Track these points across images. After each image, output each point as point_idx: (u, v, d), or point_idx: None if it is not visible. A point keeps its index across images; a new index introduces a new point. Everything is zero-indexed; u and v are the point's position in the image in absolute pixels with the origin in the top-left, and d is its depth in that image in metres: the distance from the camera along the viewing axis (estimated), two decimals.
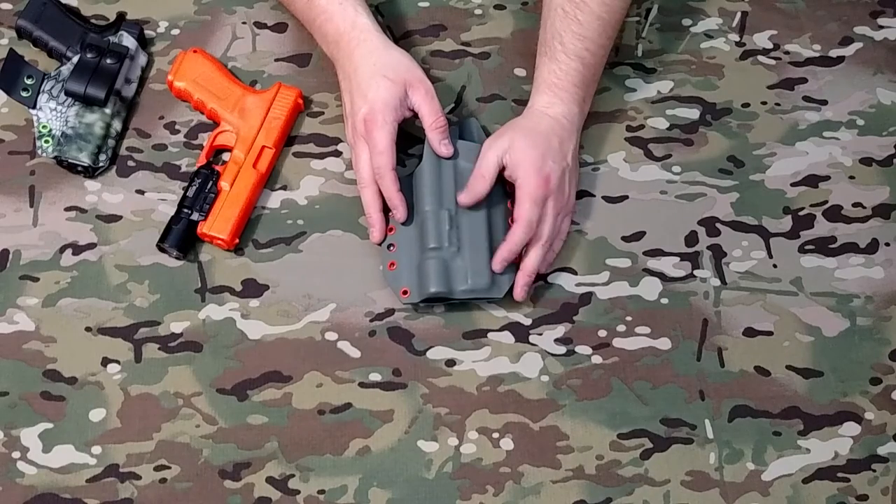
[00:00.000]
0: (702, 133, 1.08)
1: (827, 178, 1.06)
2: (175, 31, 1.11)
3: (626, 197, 1.04)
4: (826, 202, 1.05)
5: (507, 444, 0.93)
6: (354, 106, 0.98)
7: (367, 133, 0.96)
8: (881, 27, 1.15)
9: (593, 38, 1.01)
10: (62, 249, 0.99)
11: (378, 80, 0.96)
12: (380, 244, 0.99)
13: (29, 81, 1.02)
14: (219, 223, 0.98)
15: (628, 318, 0.98)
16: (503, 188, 0.99)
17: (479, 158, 0.97)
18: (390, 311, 0.98)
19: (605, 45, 1.02)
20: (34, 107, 1.02)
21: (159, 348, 0.95)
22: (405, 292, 0.96)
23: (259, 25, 1.12)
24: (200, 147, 1.05)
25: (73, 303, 0.97)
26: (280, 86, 1.05)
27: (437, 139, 0.98)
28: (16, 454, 0.91)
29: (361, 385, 0.95)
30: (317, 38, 1.04)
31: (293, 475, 0.91)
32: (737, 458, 0.93)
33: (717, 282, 1.00)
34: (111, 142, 1.04)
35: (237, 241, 0.99)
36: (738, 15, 1.15)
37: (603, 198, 1.04)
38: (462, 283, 0.95)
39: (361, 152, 0.98)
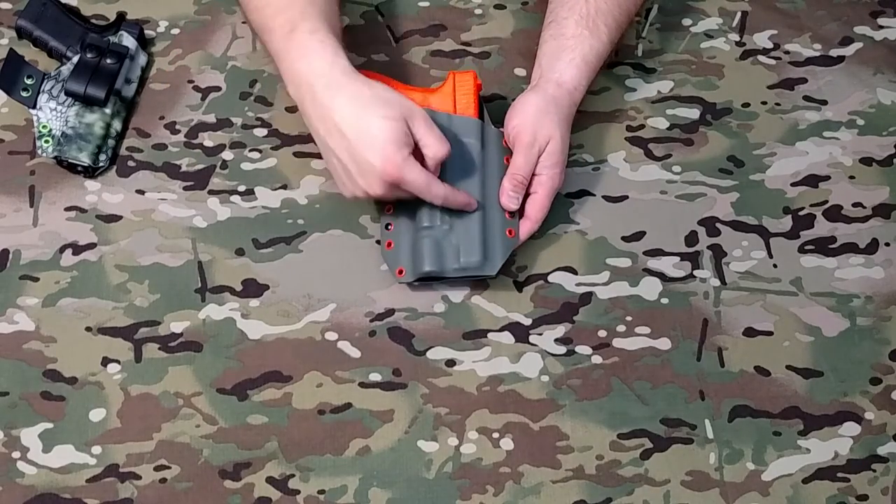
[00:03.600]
0: (702, 133, 1.08)
1: (827, 178, 1.06)
2: (175, 31, 1.11)
3: (626, 197, 1.04)
4: (826, 202, 1.05)
5: (507, 444, 0.93)
6: (361, 166, 0.90)
7: (396, 182, 0.90)
8: (881, 27, 1.15)
9: (621, 30, 1.03)
10: (62, 249, 0.99)
11: (379, 122, 0.89)
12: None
13: (29, 81, 1.02)
14: None
15: (628, 318, 0.98)
16: (500, 159, 0.99)
17: (518, 155, 0.97)
18: (390, 311, 0.98)
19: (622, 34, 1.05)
20: (34, 107, 1.02)
21: (159, 348, 0.95)
22: (401, 272, 0.97)
23: None
24: (200, 146, 1.05)
25: (73, 303, 0.97)
26: (454, 75, 1.01)
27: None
28: (16, 454, 0.91)
29: (361, 385, 0.95)
30: (285, 76, 0.94)
31: (293, 475, 0.91)
32: (737, 458, 0.93)
33: (717, 282, 1.00)
34: (111, 142, 1.04)
35: None
36: (738, 15, 1.15)
37: (603, 198, 1.04)
38: (454, 261, 0.96)
39: (383, 195, 0.92)
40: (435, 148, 0.92)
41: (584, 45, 1.00)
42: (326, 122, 0.91)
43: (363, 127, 0.89)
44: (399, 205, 0.98)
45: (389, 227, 0.99)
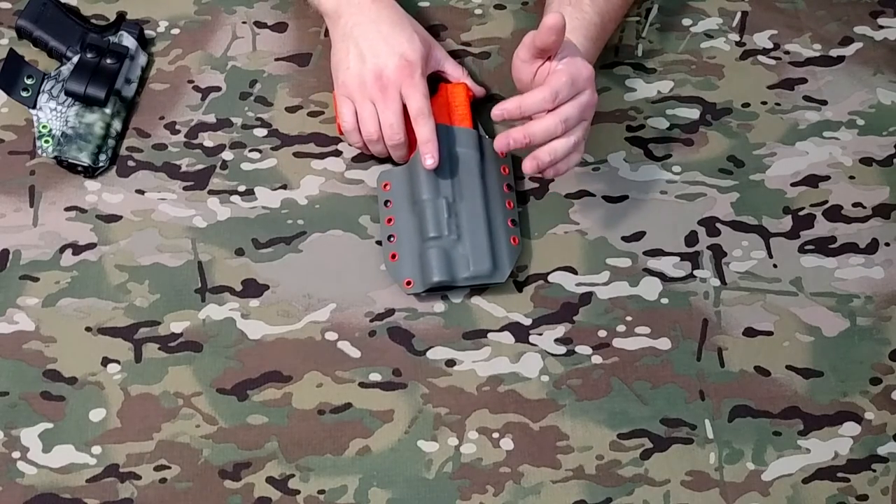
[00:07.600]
0: (702, 133, 1.08)
1: (827, 178, 1.06)
2: (175, 31, 1.11)
3: (626, 197, 1.04)
4: (826, 202, 1.05)
5: (507, 444, 0.93)
6: (378, 58, 0.97)
7: (401, 81, 0.97)
8: (881, 27, 1.15)
9: (613, 17, 1.03)
10: (62, 249, 0.99)
11: (409, 32, 0.99)
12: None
13: (29, 81, 1.02)
14: None
15: (628, 318, 0.98)
16: (497, 168, 1.00)
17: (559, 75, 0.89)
18: (390, 311, 0.98)
19: (621, 13, 1.05)
20: (34, 107, 1.02)
21: (159, 348, 0.95)
22: (408, 283, 0.97)
23: (259, 25, 1.12)
24: (201, 147, 1.05)
25: (73, 303, 0.97)
26: (446, 87, 1.04)
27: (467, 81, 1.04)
28: (16, 454, 0.91)
29: (361, 385, 0.95)
30: None
31: (293, 475, 0.91)
32: (737, 458, 0.93)
33: (717, 282, 1.00)
34: (111, 142, 1.04)
35: None
36: (738, 15, 1.15)
37: (603, 197, 1.04)
38: (464, 270, 0.96)
39: (366, 106, 0.98)
40: (456, 68, 1.04)
41: (582, 23, 0.99)
42: (357, 18, 0.99)
43: (395, 31, 0.98)
44: (400, 216, 0.99)
45: (392, 238, 0.99)
